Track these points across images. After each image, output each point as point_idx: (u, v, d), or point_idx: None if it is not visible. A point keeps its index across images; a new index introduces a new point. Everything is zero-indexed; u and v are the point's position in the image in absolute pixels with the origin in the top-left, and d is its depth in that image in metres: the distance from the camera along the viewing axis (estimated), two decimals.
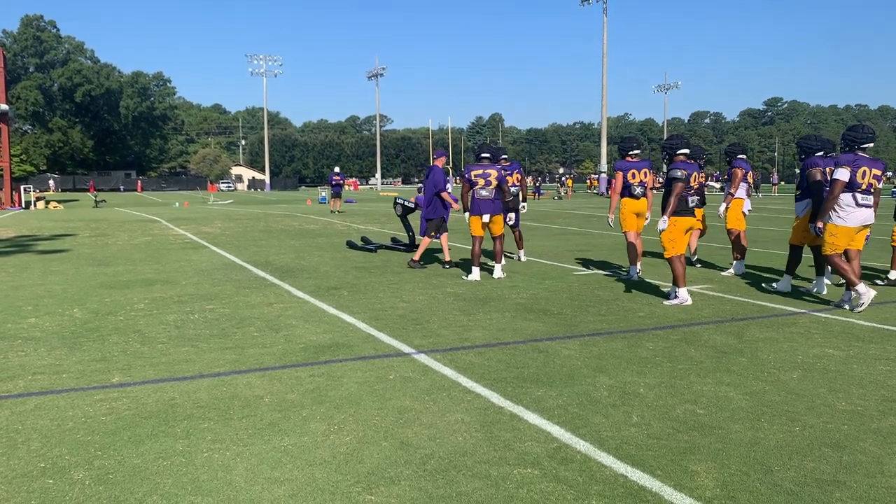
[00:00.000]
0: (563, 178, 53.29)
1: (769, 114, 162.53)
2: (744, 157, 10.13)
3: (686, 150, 7.79)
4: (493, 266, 9.63)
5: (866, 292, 7.05)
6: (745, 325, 6.51)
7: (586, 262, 11.14)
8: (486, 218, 9.38)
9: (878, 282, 8.78)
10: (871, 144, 7.19)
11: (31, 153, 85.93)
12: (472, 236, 9.48)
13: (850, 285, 7.15)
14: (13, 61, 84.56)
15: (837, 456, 3.53)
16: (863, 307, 7.03)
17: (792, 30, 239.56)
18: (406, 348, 5.67)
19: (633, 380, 4.81)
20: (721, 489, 3.17)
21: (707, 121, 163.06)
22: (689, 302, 7.51)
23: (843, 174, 6.99)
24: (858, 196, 7.06)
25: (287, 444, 3.70)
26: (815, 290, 8.22)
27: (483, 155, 9.68)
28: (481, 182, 9.34)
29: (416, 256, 10.58)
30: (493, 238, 9.66)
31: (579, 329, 6.37)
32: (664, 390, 4.59)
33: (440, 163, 10.73)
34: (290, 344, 5.83)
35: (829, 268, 8.39)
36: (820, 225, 7.21)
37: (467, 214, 9.55)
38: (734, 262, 9.78)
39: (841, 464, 3.44)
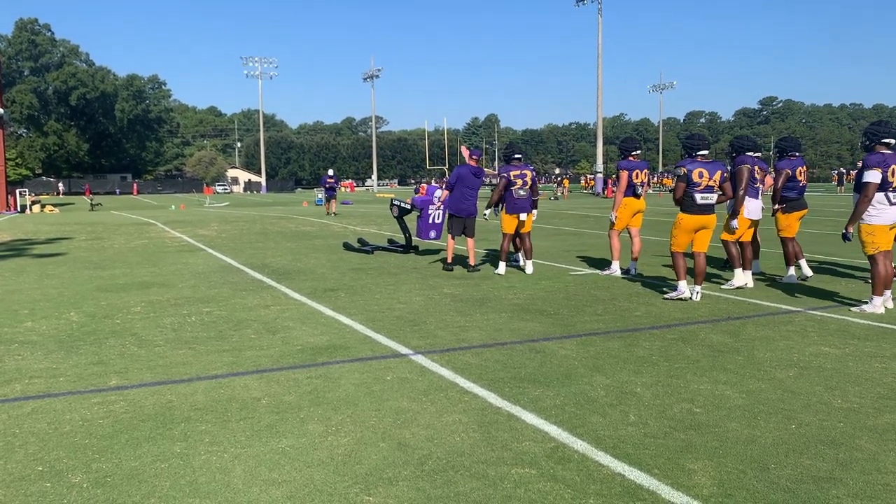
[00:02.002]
0: (560, 179, 53.36)
1: (764, 113, 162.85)
2: (758, 155, 10.03)
3: (705, 151, 7.80)
4: (526, 263, 9.98)
5: (881, 303, 7.00)
6: (741, 324, 6.53)
7: (583, 262, 11.15)
8: (522, 216, 9.77)
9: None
10: (894, 140, 7.01)
11: (27, 157, 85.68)
12: (503, 233, 9.87)
13: (881, 287, 7.02)
14: (8, 65, 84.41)
15: (834, 453, 3.54)
16: (863, 311, 7.00)
17: (787, 29, 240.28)
18: (403, 349, 5.67)
19: (629, 379, 4.82)
20: (718, 487, 3.18)
21: (702, 120, 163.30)
22: (686, 294, 7.60)
23: (874, 176, 6.84)
24: (891, 195, 6.95)
25: (285, 446, 3.70)
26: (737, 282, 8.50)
27: (516, 155, 9.94)
28: (520, 182, 9.69)
29: (472, 261, 10.24)
30: (522, 236, 10.01)
31: (576, 329, 6.38)
32: (661, 389, 4.60)
33: (473, 161, 10.44)
34: (288, 346, 5.83)
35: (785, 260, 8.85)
36: (850, 230, 7.02)
37: (490, 211, 10.02)
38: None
39: (837, 461, 3.45)
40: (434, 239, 12.27)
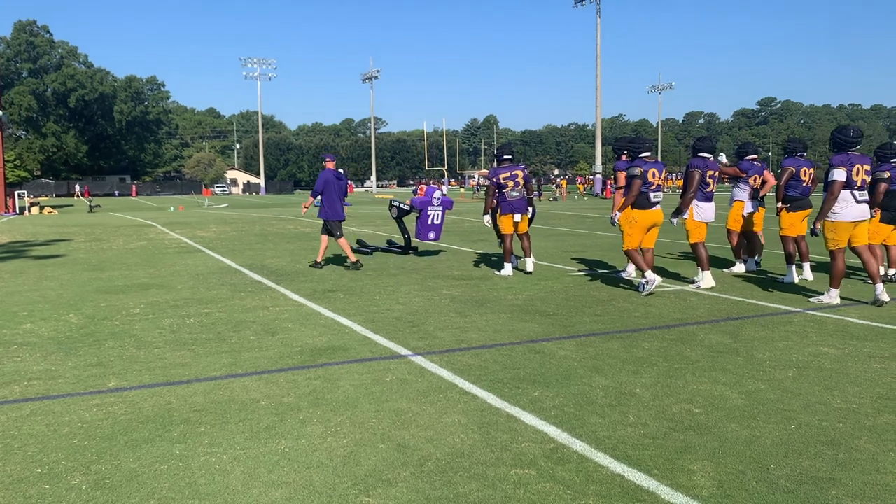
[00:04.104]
0: (558, 180, 53.42)
1: (763, 114, 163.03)
2: (752, 157, 9.96)
3: (648, 153, 8.30)
4: (526, 261, 9.94)
5: (833, 298, 7.39)
6: (740, 325, 6.53)
7: (581, 263, 11.15)
8: (517, 217, 9.75)
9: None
10: (860, 145, 7.48)
11: (25, 158, 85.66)
12: (503, 234, 9.86)
13: (831, 283, 7.46)
14: (6, 66, 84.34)
15: (833, 454, 3.54)
16: (820, 302, 7.47)
17: (786, 29, 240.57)
18: (402, 350, 5.67)
19: (629, 380, 4.82)
20: (717, 488, 3.18)
21: (701, 121, 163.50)
22: (659, 280, 8.04)
23: (840, 174, 7.26)
24: (856, 193, 7.34)
25: (284, 447, 3.70)
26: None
27: (505, 157, 9.93)
28: (510, 184, 9.68)
29: (320, 258, 10.90)
30: (521, 235, 10.02)
31: (575, 329, 6.38)
32: (660, 390, 4.60)
33: (333, 165, 10.96)
34: (287, 347, 5.83)
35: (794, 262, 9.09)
36: (818, 226, 7.42)
37: (487, 217, 10.00)
38: (746, 260, 9.97)
39: (836, 461, 3.45)
40: (433, 240, 12.28)
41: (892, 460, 3.46)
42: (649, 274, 7.99)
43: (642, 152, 8.28)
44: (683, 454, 3.55)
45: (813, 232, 7.47)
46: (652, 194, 8.14)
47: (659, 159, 8.54)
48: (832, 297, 7.43)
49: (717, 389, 4.60)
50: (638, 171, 8.05)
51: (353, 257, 10.68)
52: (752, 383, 4.73)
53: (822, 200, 7.40)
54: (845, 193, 7.33)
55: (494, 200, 9.94)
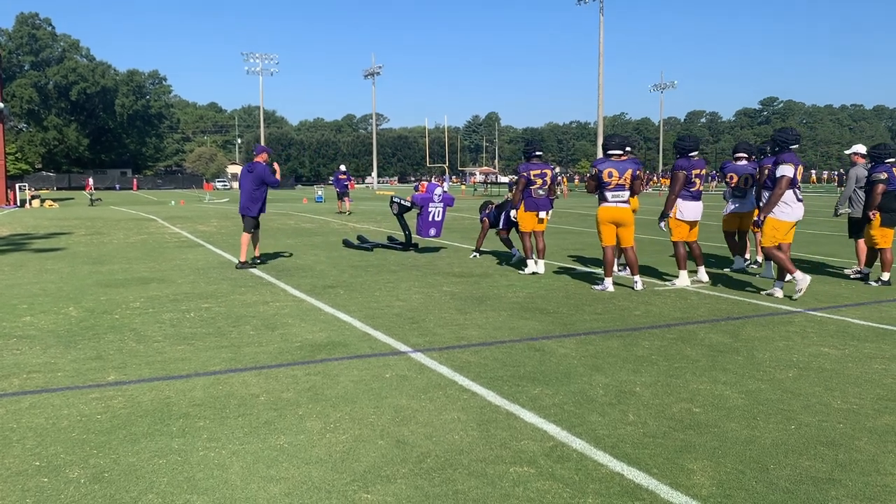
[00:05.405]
0: (559, 178, 53.48)
1: (765, 113, 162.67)
2: (740, 155, 10.01)
3: (617, 151, 8.37)
4: (538, 262, 9.83)
5: (803, 278, 7.51)
6: (740, 324, 6.52)
7: (582, 261, 11.15)
8: (542, 214, 9.73)
9: (872, 283, 8.84)
10: (797, 146, 7.73)
11: (27, 151, 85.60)
12: (523, 232, 9.82)
13: (788, 272, 7.60)
14: (8, 59, 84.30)
15: (833, 454, 3.54)
16: (801, 292, 7.52)
17: (789, 29, 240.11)
18: (402, 347, 5.67)
19: (629, 378, 4.82)
20: (717, 487, 3.18)
21: (703, 120, 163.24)
22: (611, 289, 8.20)
23: (789, 170, 7.45)
24: (798, 192, 7.60)
25: (283, 443, 3.69)
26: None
27: (537, 153, 9.84)
28: (539, 182, 9.62)
29: (243, 257, 10.39)
30: (537, 234, 9.93)
31: (575, 328, 6.37)
32: (660, 389, 4.59)
33: (263, 158, 10.77)
34: (286, 342, 5.82)
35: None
36: (762, 217, 7.63)
37: (514, 212, 9.95)
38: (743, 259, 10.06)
39: (836, 462, 3.45)
40: (434, 236, 12.27)
41: (892, 461, 3.45)
42: (607, 282, 8.29)
43: (608, 149, 8.34)
44: (683, 453, 3.55)
45: (757, 223, 7.68)
46: (609, 194, 8.17)
47: (639, 158, 8.53)
48: (799, 279, 7.45)
49: (718, 389, 4.60)
50: (594, 170, 8.28)
51: (243, 258, 10.36)
52: (752, 383, 4.72)
53: (770, 194, 7.57)
54: (789, 193, 7.50)
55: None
